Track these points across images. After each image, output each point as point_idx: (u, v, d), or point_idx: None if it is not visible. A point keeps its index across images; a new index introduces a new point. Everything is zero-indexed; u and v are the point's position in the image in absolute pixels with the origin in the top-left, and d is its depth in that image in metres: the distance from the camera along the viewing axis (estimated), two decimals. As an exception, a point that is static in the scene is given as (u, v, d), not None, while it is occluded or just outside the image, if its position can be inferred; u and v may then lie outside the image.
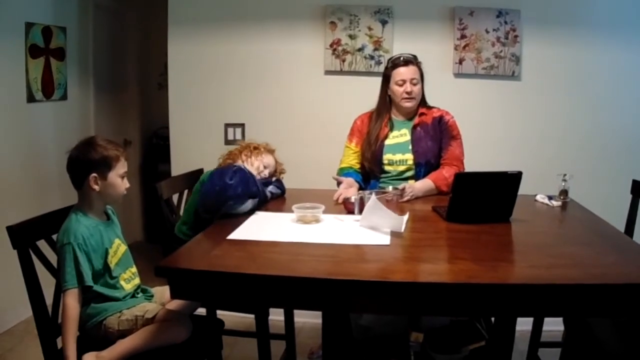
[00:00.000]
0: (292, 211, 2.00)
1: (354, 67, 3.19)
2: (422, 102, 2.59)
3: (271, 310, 2.28)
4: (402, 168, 2.51)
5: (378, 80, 2.60)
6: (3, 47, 3.08)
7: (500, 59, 3.11)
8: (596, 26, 3.07)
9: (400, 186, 2.34)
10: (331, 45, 3.18)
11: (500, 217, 2.00)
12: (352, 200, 2.15)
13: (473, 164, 2.55)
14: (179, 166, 3.26)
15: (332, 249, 1.70)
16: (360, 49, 3.17)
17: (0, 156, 3.09)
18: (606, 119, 3.14)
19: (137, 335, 1.78)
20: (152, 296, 2.02)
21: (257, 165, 2.37)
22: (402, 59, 2.53)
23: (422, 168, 2.49)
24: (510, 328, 1.83)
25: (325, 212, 2.01)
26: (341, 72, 3.21)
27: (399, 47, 3.05)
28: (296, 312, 2.70)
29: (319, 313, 1.84)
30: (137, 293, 1.97)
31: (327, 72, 3.23)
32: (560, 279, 1.45)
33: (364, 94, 2.69)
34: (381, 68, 2.86)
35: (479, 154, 2.74)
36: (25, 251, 1.73)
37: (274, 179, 2.44)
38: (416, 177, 2.49)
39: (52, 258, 1.84)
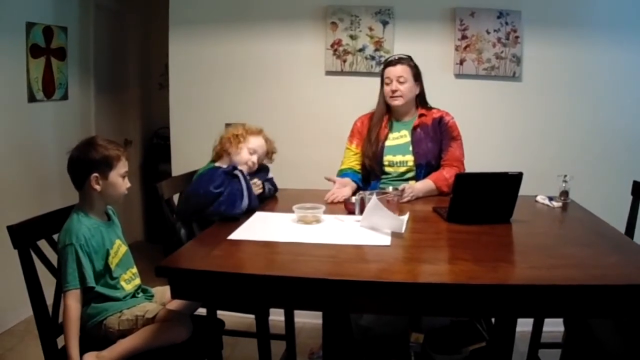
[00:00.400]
0: (292, 211, 2.00)
1: (355, 68, 3.19)
2: (422, 103, 2.59)
3: (271, 310, 2.28)
4: (402, 169, 2.51)
5: (379, 81, 2.60)
6: (4, 47, 3.08)
7: (501, 60, 3.11)
8: (597, 27, 3.07)
9: (401, 187, 2.34)
10: (332, 46, 3.18)
11: (500, 218, 2.00)
12: (353, 200, 2.15)
13: (474, 164, 2.55)
14: (179, 166, 3.26)
15: (332, 250, 1.70)
16: (361, 50, 3.17)
17: (0, 156, 3.09)
18: (607, 120, 3.14)
19: (138, 335, 1.78)
20: (152, 296, 2.02)
21: (246, 159, 2.27)
22: (392, 58, 2.54)
23: (423, 169, 2.49)
24: (511, 329, 1.83)
25: (325, 212, 2.01)
26: (342, 73, 3.21)
27: (399, 47, 3.05)
28: (296, 312, 2.70)
29: (320, 313, 1.84)
30: (138, 293, 1.97)
31: (328, 73, 3.23)
32: (560, 280, 1.45)
33: (365, 94, 2.70)
34: (382, 69, 2.86)
35: (479, 155, 2.74)
36: (26, 251, 1.73)
37: (270, 176, 2.41)
38: (417, 178, 2.50)
39: (53, 258, 1.84)
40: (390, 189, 2.37)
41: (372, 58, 3.16)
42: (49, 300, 1.79)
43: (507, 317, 1.80)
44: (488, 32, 3.09)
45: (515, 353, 2.04)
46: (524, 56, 3.11)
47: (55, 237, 1.84)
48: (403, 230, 1.83)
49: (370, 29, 3.15)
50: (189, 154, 3.26)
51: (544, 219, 2.18)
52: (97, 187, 1.83)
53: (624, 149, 3.14)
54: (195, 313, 2.04)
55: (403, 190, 2.31)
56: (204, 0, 3.26)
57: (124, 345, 1.76)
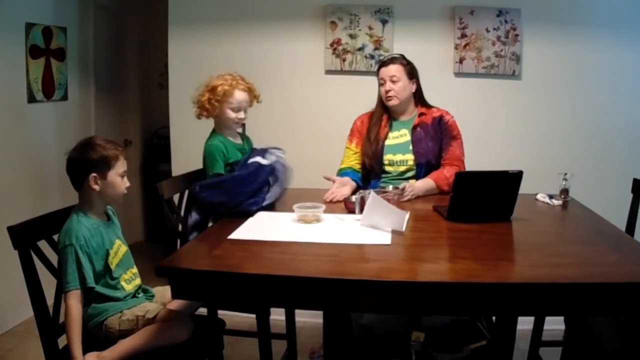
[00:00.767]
0: (293, 211, 2.00)
1: (355, 67, 3.19)
2: (421, 101, 2.59)
3: (272, 310, 2.28)
4: (402, 168, 2.51)
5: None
6: (3, 48, 3.08)
7: (500, 58, 3.10)
8: (597, 25, 3.07)
9: (401, 185, 2.34)
10: (331, 45, 3.18)
11: (501, 217, 2.00)
12: (353, 199, 2.15)
13: (474, 163, 2.55)
14: (179, 166, 3.26)
15: (333, 249, 1.70)
16: (361, 49, 3.17)
17: (1, 156, 3.09)
18: (607, 118, 3.14)
19: (138, 335, 1.78)
20: (152, 296, 2.02)
21: (232, 118, 2.24)
22: (384, 59, 2.55)
23: (423, 168, 2.49)
24: (511, 327, 1.83)
25: (326, 211, 2.01)
26: (341, 72, 3.21)
27: (399, 46, 3.06)
28: (297, 311, 2.70)
29: (320, 313, 1.84)
30: (138, 293, 1.97)
31: (328, 72, 3.23)
32: (561, 278, 1.45)
33: (365, 93, 2.70)
34: (382, 68, 2.86)
35: (479, 153, 2.74)
36: (26, 251, 1.72)
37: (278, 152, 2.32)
38: (417, 178, 2.49)
39: (53, 258, 1.84)
40: (390, 187, 2.37)
41: (372, 57, 3.16)
42: (50, 300, 1.79)
43: (508, 315, 1.80)
44: (487, 31, 3.09)
45: (516, 351, 2.04)
46: (524, 54, 3.11)
47: (55, 237, 1.84)
48: (404, 229, 1.83)
49: (370, 28, 3.15)
50: (189, 154, 3.24)
51: (544, 217, 2.18)
52: (96, 187, 1.83)
53: (624, 147, 3.14)
54: (196, 313, 2.04)
55: (403, 189, 2.31)
56: (203, 0, 3.26)
57: (124, 345, 1.76)
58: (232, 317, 2.44)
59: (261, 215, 2.08)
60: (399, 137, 2.54)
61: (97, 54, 4.05)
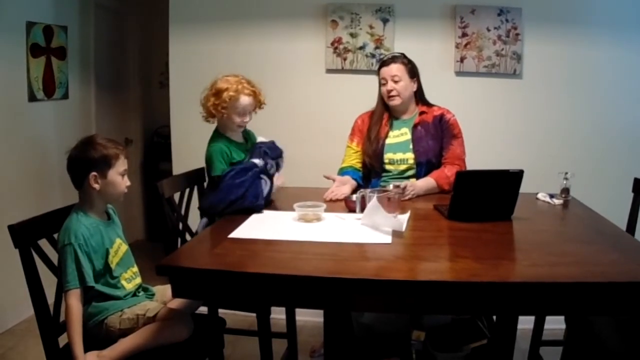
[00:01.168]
0: (293, 209, 2.00)
1: (355, 66, 3.18)
2: (422, 101, 2.59)
3: (273, 308, 2.29)
4: (403, 167, 2.51)
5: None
6: (4, 46, 3.08)
7: (501, 57, 3.10)
8: (598, 24, 3.07)
9: (402, 184, 2.34)
10: (332, 44, 3.18)
11: (501, 216, 2.00)
12: (354, 198, 2.15)
13: (474, 162, 2.55)
14: (180, 165, 3.26)
15: (333, 248, 1.70)
16: (362, 48, 3.17)
17: (1, 155, 3.09)
18: (608, 117, 3.14)
19: (139, 334, 1.78)
20: (153, 295, 2.02)
21: (238, 123, 2.25)
22: (386, 58, 2.55)
23: (423, 167, 2.49)
24: (512, 326, 1.83)
25: (326, 210, 2.01)
26: (342, 71, 3.21)
27: (400, 45, 3.05)
28: (298, 310, 2.70)
29: (321, 311, 1.84)
30: (139, 292, 1.97)
31: (329, 71, 3.22)
32: (561, 277, 1.45)
33: (365, 92, 2.69)
34: (382, 67, 2.85)
35: (480, 153, 2.74)
36: (27, 250, 1.73)
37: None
38: (417, 176, 2.49)
39: (54, 257, 1.84)
40: (391, 186, 2.36)
41: (373, 56, 3.16)
42: (50, 299, 1.79)
43: (508, 314, 1.80)
44: (488, 30, 3.09)
45: (517, 350, 2.04)
46: (525, 53, 3.11)
47: (56, 236, 1.84)
48: (403, 229, 1.83)
49: (371, 27, 3.14)
50: (189, 153, 3.25)
51: (544, 216, 2.18)
52: (96, 186, 1.83)
53: (624, 146, 3.14)
54: (197, 312, 2.04)
55: (405, 187, 2.31)
56: (204, -2, 3.26)
57: (125, 344, 1.76)
58: (233, 316, 2.44)
59: (262, 214, 2.08)
60: (399, 135, 2.54)
61: (97, 52, 4.05)
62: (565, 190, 2.34)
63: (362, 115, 2.64)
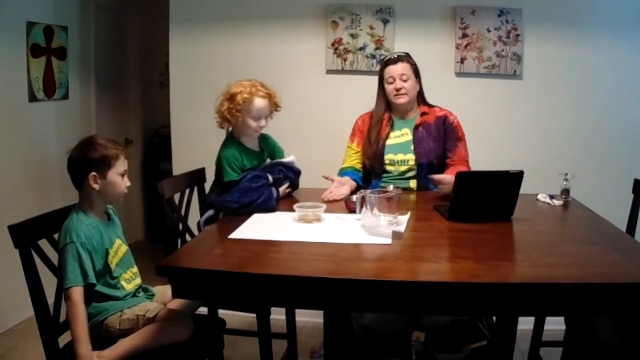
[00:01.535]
0: (293, 210, 2.00)
1: (356, 67, 3.19)
2: (423, 101, 2.59)
3: (272, 309, 2.28)
4: (403, 168, 2.51)
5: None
6: (4, 47, 3.08)
7: (501, 58, 3.10)
8: (598, 25, 3.07)
9: (436, 177, 2.32)
10: (333, 45, 3.18)
11: (501, 216, 2.00)
12: (354, 199, 2.14)
13: (474, 162, 2.55)
14: (180, 165, 3.27)
15: (333, 248, 1.70)
16: (362, 48, 3.17)
17: (1, 155, 3.09)
18: (608, 118, 3.14)
19: (139, 335, 1.78)
20: (153, 295, 2.02)
21: (254, 128, 2.23)
22: (391, 57, 2.54)
23: (424, 168, 2.48)
24: (512, 327, 1.83)
25: (326, 211, 2.01)
26: (343, 72, 3.21)
27: (400, 46, 3.05)
28: (298, 311, 2.70)
29: (321, 312, 1.84)
30: (138, 292, 1.97)
31: (329, 72, 3.23)
32: (561, 278, 1.45)
33: (366, 93, 2.69)
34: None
35: (480, 153, 2.74)
36: (27, 250, 1.73)
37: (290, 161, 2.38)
38: (418, 178, 2.49)
39: (54, 257, 1.84)
40: (391, 187, 2.36)
41: (373, 57, 3.16)
42: (50, 299, 1.79)
43: (508, 315, 1.80)
44: (489, 30, 3.09)
45: (517, 351, 2.04)
46: (525, 54, 3.11)
47: (56, 236, 1.84)
48: (403, 231, 1.83)
49: (371, 28, 3.14)
50: (189, 153, 3.26)
51: (545, 217, 2.18)
52: (96, 186, 1.83)
53: (625, 147, 3.14)
54: (196, 312, 2.04)
55: (439, 181, 2.29)
56: (204, -1, 3.26)
57: (125, 344, 1.76)
58: (233, 317, 2.44)
59: (262, 215, 2.08)
60: (400, 136, 2.54)
61: (98, 53, 4.05)
62: (565, 191, 2.34)
63: (363, 115, 2.64)
